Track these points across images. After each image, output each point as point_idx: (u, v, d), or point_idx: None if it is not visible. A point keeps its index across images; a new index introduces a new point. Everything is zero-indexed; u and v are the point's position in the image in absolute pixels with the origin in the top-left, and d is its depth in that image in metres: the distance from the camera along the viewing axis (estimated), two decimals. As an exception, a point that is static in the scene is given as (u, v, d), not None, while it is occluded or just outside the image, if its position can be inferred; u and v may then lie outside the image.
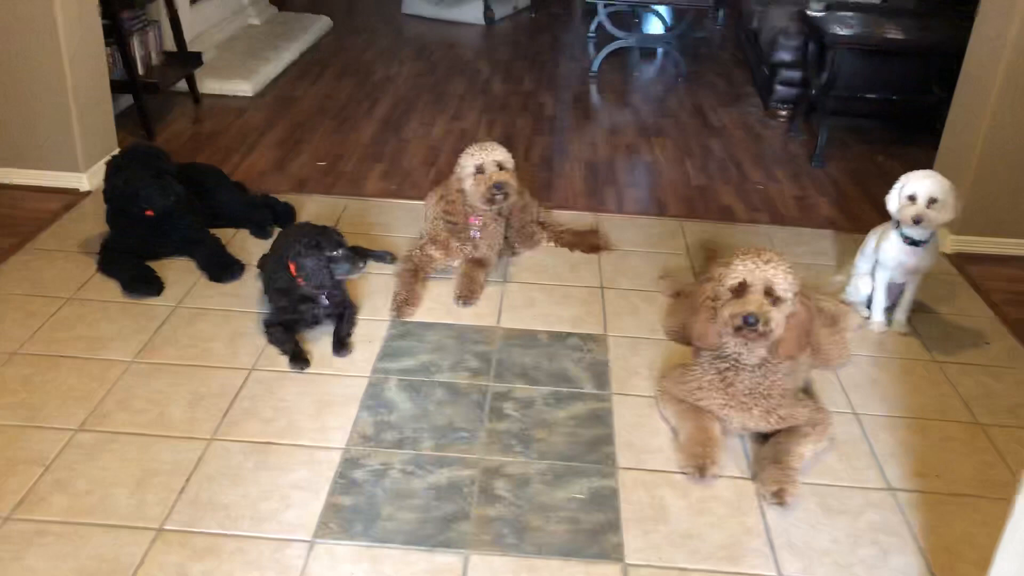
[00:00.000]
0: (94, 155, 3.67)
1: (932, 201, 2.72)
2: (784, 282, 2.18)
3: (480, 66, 5.85)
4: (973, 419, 2.55)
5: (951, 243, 3.51)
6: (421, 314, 2.92)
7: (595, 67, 5.77)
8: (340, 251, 2.70)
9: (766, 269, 2.17)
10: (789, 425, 2.33)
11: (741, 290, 2.19)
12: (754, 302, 2.15)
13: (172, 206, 2.98)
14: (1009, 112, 3.30)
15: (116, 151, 3.73)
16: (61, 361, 2.57)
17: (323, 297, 2.75)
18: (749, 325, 2.15)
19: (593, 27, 6.68)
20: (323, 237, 2.71)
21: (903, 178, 2.79)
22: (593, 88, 5.55)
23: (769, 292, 2.17)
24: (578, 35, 6.84)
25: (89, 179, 3.63)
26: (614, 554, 2.02)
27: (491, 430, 2.40)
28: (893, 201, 2.79)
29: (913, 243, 2.80)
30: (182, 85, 4.75)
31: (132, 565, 1.93)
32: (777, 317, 2.16)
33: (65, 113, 3.52)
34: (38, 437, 2.27)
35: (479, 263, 3.09)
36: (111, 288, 2.94)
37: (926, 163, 3.74)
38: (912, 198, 2.73)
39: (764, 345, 2.24)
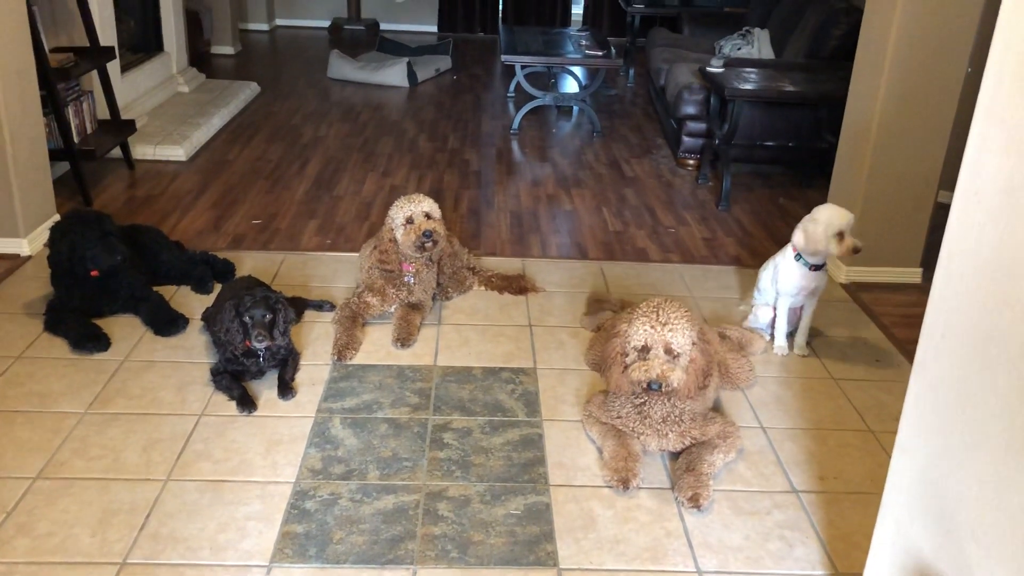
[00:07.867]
0: (34, 221, 3.78)
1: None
2: (681, 338, 2.43)
3: (406, 126, 6.12)
4: (866, 427, 2.84)
5: (845, 274, 3.86)
6: (361, 357, 3.10)
7: (515, 125, 6.09)
8: (257, 316, 2.76)
9: (663, 332, 2.42)
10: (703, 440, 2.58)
11: (644, 351, 2.44)
12: (656, 367, 2.40)
13: (119, 264, 3.12)
14: (885, 156, 3.68)
15: (55, 217, 3.86)
16: (15, 416, 2.67)
17: (261, 353, 2.85)
18: (653, 389, 2.42)
19: (512, 87, 7.03)
20: (242, 301, 2.78)
21: (821, 217, 3.04)
22: (515, 144, 5.85)
23: (668, 351, 2.43)
24: (498, 95, 7.18)
25: (29, 244, 3.73)
26: (549, 561, 2.22)
27: (432, 458, 2.58)
28: (820, 237, 3.02)
29: (815, 267, 3.11)
30: (117, 152, 4.89)
31: (98, 597, 2.04)
32: (677, 375, 2.42)
33: (5, 182, 3.63)
34: (-3, 487, 2.38)
35: (415, 307, 3.30)
36: (59, 346, 3.05)
37: (821, 203, 4.11)
38: (840, 235, 3.03)
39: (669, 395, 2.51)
